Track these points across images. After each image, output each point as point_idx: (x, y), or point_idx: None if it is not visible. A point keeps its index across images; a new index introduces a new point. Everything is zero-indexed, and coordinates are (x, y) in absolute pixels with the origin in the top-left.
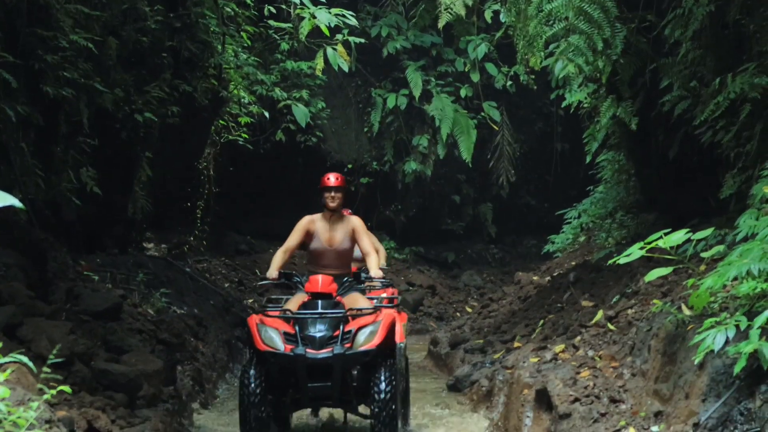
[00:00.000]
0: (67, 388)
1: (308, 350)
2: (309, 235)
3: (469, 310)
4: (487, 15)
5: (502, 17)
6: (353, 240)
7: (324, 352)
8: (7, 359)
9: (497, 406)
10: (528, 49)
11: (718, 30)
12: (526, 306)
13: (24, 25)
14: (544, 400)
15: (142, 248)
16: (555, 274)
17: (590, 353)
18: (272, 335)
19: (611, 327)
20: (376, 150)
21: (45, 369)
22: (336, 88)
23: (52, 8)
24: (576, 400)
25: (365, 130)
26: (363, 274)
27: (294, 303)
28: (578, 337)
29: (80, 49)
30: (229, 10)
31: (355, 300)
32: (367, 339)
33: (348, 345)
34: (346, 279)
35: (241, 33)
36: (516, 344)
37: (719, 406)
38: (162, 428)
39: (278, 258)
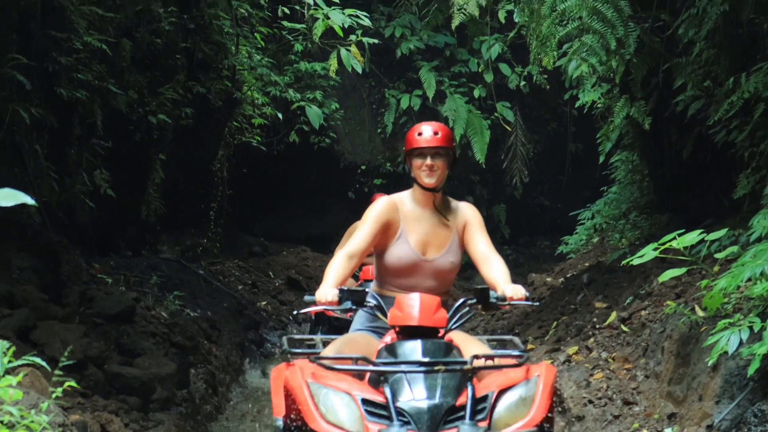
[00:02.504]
0: (73, 383)
1: None
2: (388, 233)
3: (483, 311)
4: (501, 15)
5: (516, 17)
6: (462, 243)
7: None
8: (20, 362)
9: None
10: (541, 49)
11: (731, 29)
12: (539, 307)
13: (38, 27)
14: (557, 402)
15: (155, 250)
16: (568, 276)
17: (603, 355)
18: (339, 406)
19: (624, 328)
20: (390, 151)
21: (57, 372)
22: (350, 89)
23: (66, 10)
24: (589, 402)
25: (379, 131)
26: (493, 294)
27: (361, 342)
28: (591, 339)
29: (94, 50)
30: (242, 11)
31: (467, 340)
32: (518, 412)
33: (484, 423)
34: (462, 302)
35: (255, 34)
36: (529, 346)
37: (733, 407)
38: (175, 431)
39: (337, 267)
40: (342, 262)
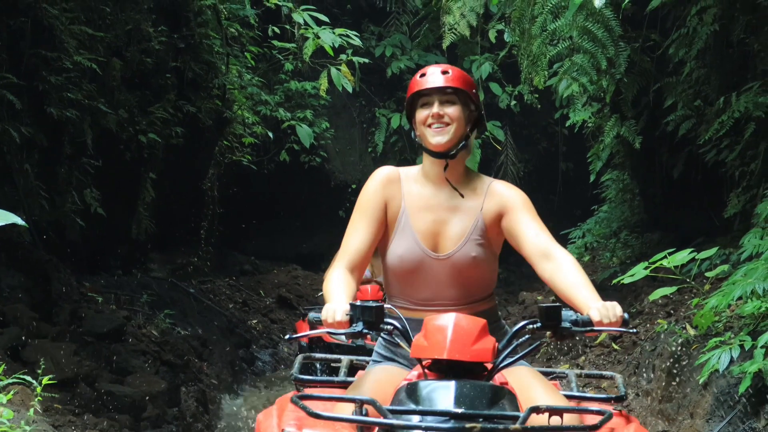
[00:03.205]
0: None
1: None
2: (387, 220)
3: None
4: (491, 35)
5: (506, 37)
6: (494, 231)
7: None
8: (10, 380)
9: None
10: (532, 69)
11: (722, 49)
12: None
13: (28, 47)
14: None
15: (146, 269)
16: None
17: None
18: None
19: (616, 347)
20: None
21: (45, 381)
22: (340, 108)
23: (56, 30)
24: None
25: (369, 150)
26: (571, 316)
27: (373, 381)
28: (583, 357)
29: (84, 70)
30: (233, 30)
31: (530, 381)
32: None
33: None
34: (525, 325)
35: (245, 53)
36: None
37: (724, 425)
38: None
39: (341, 282)
40: (342, 278)
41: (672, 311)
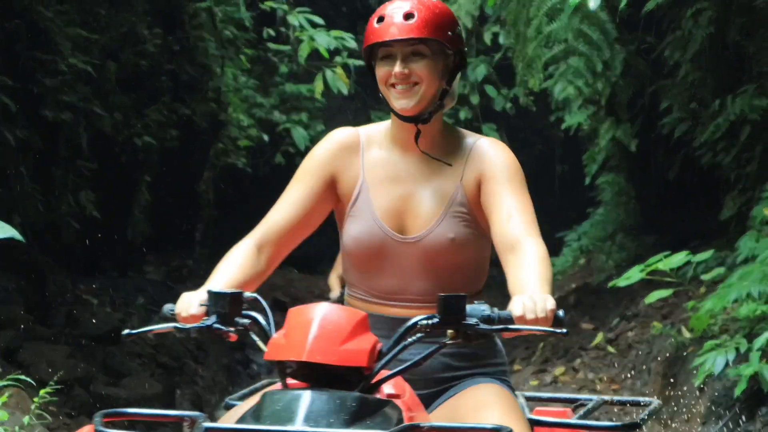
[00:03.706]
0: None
1: None
2: (340, 195)
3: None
4: (487, 37)
5: (502, 39)
6: (478, 208)
7: None
8: (5, 383)
9: None
10: (527, 71)
11: (717, 52)
12: None
13: (23, 49)
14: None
15: (141, 271)
16: (555, 297)
17: (590, 376)
18: None
19: (611, 350)
20: None
21: (42, 392)
22: (335, 111)
23: (52, 32)
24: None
25: None
26: (483, 311)
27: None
28: (578, 360)
29: (79, 72)
30: (227, 33)
31: (484, 402)
32: None
33: None
34: (416, 323)
35: (240, 56)
36: (516, 367)
37: (720, 428)
38: None
39: (226, 263)
40: (244, 254)
41: (668, 314)
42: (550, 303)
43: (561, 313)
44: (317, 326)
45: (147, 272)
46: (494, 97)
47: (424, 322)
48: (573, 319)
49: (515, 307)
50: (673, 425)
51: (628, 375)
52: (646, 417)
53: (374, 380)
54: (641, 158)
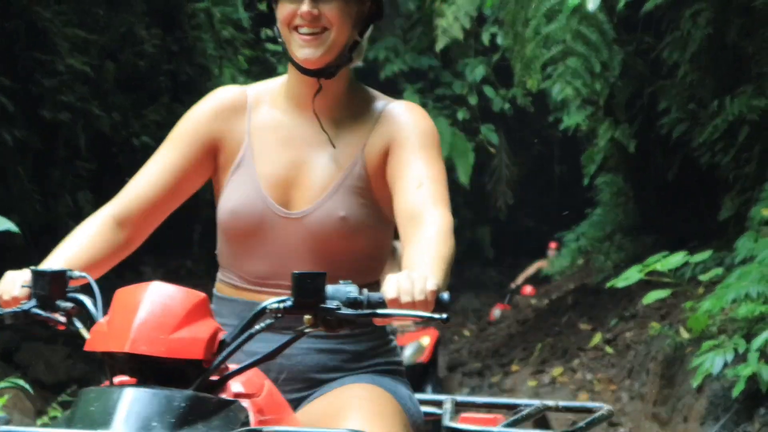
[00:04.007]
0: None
1: None
2: (219, 161)
3: (467, 333)
4: (485, 38)
5: (500, 40)
6: (380, 181)
7: None
8: (4, 384)
9: None
10: (525, 72)
11: (716, 52)
12: (524, 329)
13: (22, 49)
14: (542, 423)
15: (139, 272)
16: (553, 297)
17: (588, 376)
18: None
19: (609, 350)
20: None
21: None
22: None
23: (50, 32)
24: (574, 423)
25: None
26: (348, 291)
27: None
28: (576, 361)
29: (77, 73)
30: (226, 33)
31: (347, 403)
32: None
33: None
34: (264, 308)
35: (239, 56)
36: (514, 368)
37: (718, 429)
38: None
39: (72, 238)
40: (97, 227)
41: (666, 314)
42: (431, 283)
43: (445, 295)
44: (145, 311)
45: (144, 273)
46: (492, 97)
47: (275, 305)
48: (571, 320)
49: (388, 289)
50: (672, 426)
51: (626, 375)
52: (584, 426)
53: (218, 376)
54: (640, 159)
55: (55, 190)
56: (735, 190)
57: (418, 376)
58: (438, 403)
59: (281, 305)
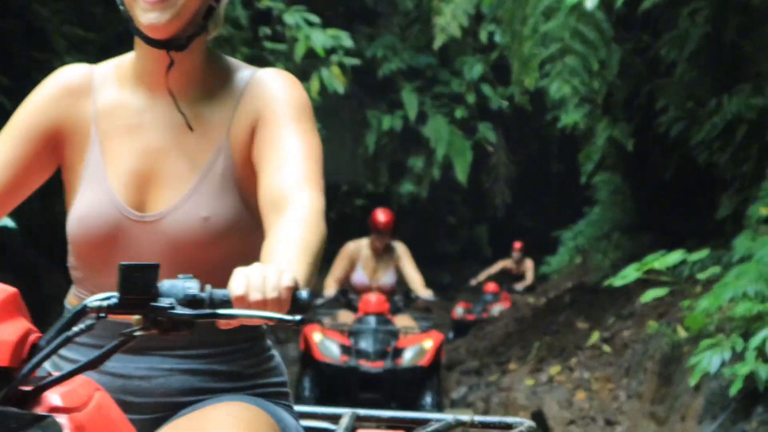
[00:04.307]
0: None
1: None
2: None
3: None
4: (483, 36)
5: (498, 38)
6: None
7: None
8: None
9: None
10: (523, 70)
11: (714, 51)
12: (521, 328)
13: (19, 48)
14: (539, 422)
15: None
16: (551, 296)
17: (586, 375)
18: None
19: (607, 349)
20: (372, 172)
21: None
22: (331, 110)
23: (47, 31)
24: (571, 422)
25: (360, 151)
26: (187, 287)
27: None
28: (574, 359)
29: None
30: (223, 31)
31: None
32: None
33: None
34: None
35: (236, 54)
36: (511, 366)
37: (716, 428)
38: None
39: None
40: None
41: (663, 313)
42: (287, 278)
43: (304, 294)
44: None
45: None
46: (490, 95)
47: (96, 304)
48: (569, 318)
49: (236, 284)
50: (669, 424)
51: (624, 374)
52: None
53: (29, 385)
54: (637, 157)
55: (52, 187)
56: (733, 189)
57: (418, 381)
58: (336, 418)
59: (105, 303)
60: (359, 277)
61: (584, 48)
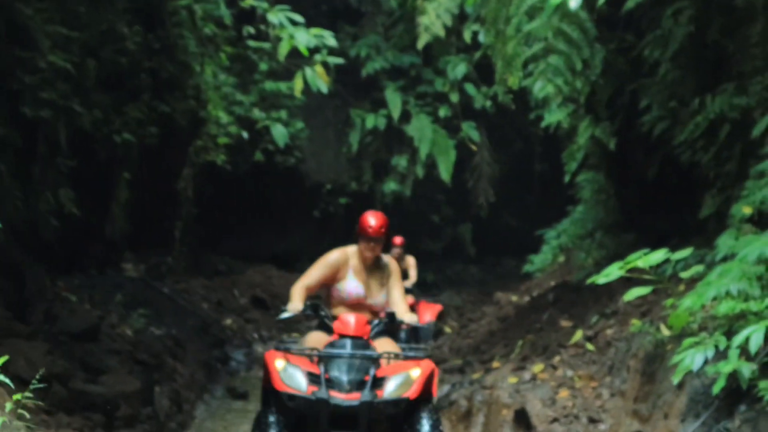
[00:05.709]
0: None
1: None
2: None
3: (448, 330)
4: (467, 35)
5: (481, 38)
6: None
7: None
8: None
9: (476, 427)
10: (507, 70)
11: (697, 50)
12: (505, 326)
13: (2, 46)
14: (522, 420)
15: (120, 269)
16: (534, 294)
17: (569, 373)
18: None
19: (590, 347)
20: (355, 170)
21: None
22: (315, 109)
23: (31, 29)
24: (555, 420)
25: (344, 150)
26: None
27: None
28: (557, 357)
29: (58, 70)
30: (207, 30)
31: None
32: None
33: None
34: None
35: (220, 54)
36: (495, 364)
37: (698, 426)
38: None
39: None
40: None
41: (646, 312)
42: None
43: None
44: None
45: (126, 269)
46: (474, 95)
47: (383, 321)
48: (552, 317)
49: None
50: (652, 422)
51: (607, 372)
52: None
53: None
54: (620, 156)
55: (35, 186)
56: (716, 188)
57: (403, 416)
58: None
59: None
60: (352, 287)
61: (567, 47)
